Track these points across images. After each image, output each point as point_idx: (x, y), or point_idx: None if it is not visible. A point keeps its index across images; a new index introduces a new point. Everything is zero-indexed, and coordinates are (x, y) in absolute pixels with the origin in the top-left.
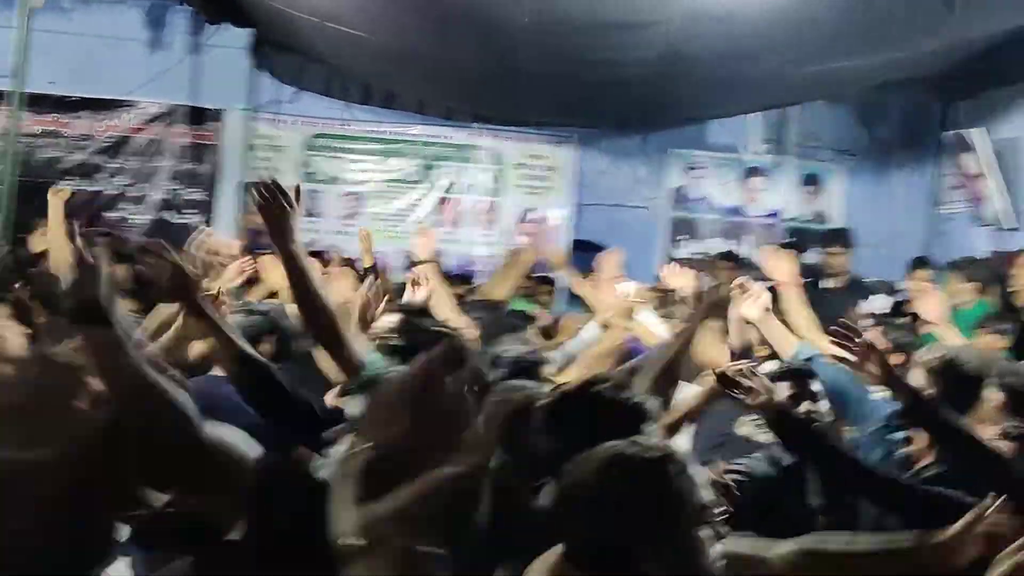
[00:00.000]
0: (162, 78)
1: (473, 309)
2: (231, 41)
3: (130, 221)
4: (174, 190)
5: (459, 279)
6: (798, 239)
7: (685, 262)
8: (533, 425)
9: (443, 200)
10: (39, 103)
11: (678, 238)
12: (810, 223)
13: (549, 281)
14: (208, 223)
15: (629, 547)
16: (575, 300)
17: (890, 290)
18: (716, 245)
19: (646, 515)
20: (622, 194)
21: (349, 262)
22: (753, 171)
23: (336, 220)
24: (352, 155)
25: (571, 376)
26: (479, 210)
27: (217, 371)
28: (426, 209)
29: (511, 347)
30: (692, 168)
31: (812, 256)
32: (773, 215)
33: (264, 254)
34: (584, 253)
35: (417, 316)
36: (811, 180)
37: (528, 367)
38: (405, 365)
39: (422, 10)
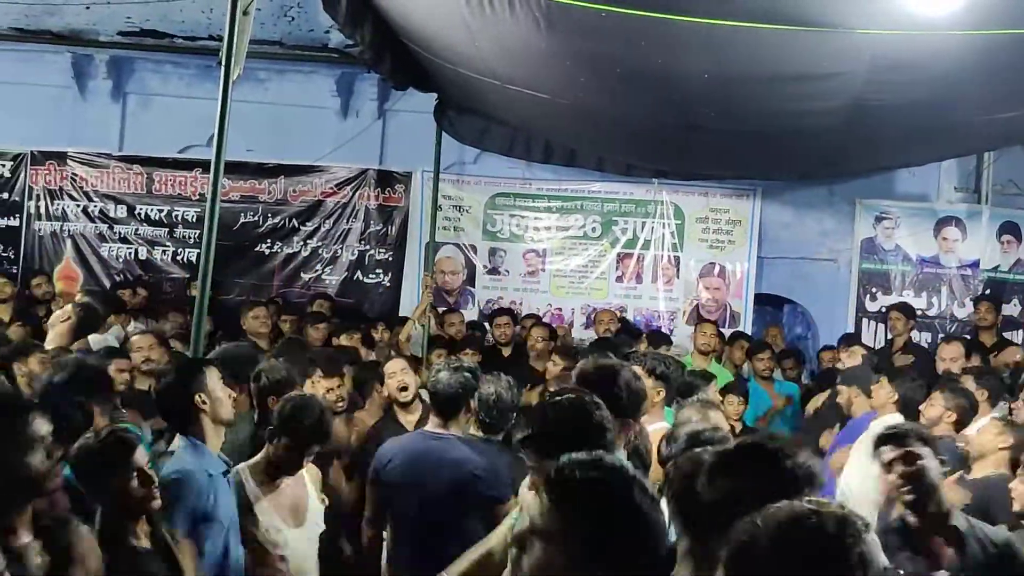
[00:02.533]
0: (352, 143)
1: (656, 364)
2: (416, 106)
3: (324, 281)
4: (364, 250)
5: (638, 334)
6: (997, 290)
7: (875, 315)
8: (702, 473)
9: (624, 255)
10: (238, 170)
11: (870, 289)
12: (1010, 273)
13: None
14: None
15: None
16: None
17: None
18: (910, 298)
19: None
20: (807, 246)
21: (534, 317)
22: (947, 220)
23: (519, 277)
24: (534, 213)
25: None
26: (660, 265)
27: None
28: (607, 264)
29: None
30: (882, 218)
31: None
32: (971, 265)
33: (446, 311)
34: (767, 307)
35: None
36: (1010, 228)
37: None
38: None
39: (601, 70)
